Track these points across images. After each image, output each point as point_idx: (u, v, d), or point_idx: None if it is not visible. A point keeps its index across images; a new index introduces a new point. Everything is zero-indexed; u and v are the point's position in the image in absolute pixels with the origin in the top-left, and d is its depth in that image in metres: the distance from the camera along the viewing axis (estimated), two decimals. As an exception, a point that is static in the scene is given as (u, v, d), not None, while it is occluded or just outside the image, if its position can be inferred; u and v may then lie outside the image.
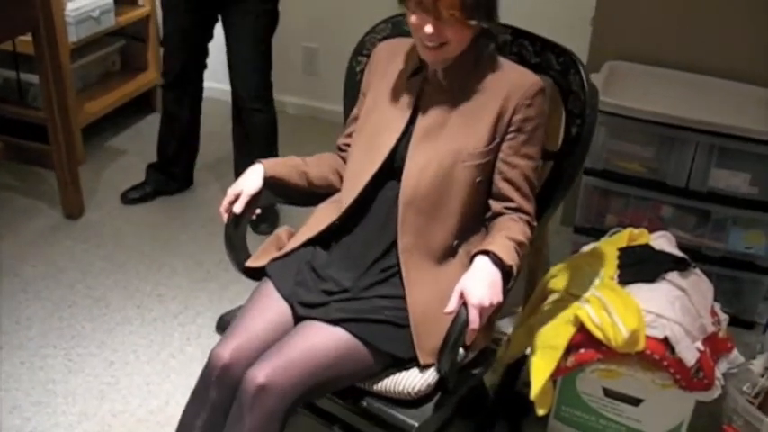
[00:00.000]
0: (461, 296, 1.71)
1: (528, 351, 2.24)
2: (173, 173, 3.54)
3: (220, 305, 2.84)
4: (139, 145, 3.90)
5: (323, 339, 1.75)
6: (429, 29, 1.77)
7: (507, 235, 1.82)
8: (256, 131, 3.27)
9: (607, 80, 2.83)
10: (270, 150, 3.29)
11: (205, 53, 3.36)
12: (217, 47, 4.43)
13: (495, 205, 1.90)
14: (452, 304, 1.71)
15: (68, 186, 3.27)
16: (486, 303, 1.70)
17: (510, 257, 1.76)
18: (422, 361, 1.79)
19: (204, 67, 3.41)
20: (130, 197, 3.47)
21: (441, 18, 1.75)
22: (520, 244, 1.82)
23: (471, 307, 1.69)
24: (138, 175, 3.54)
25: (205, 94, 4.36)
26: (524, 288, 2.61)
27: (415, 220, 1.85)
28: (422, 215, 1.85)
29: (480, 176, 1.86)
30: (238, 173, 3.24)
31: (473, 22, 1.77)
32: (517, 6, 3.35)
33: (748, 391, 2.26)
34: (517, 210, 1.88)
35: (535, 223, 1.91)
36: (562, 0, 3.47)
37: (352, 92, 2.14)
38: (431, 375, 1.80)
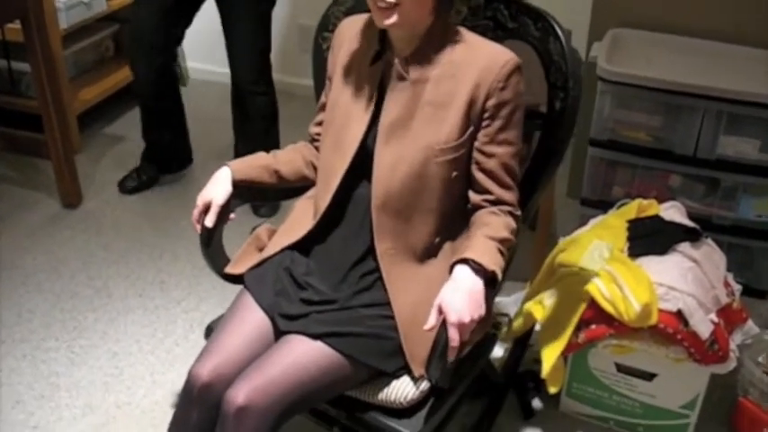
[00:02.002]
0: (440, 311, 1.60)
1: (537, 327, 2.20)
2: (170, 157, 3.48)
3: (223, 290, 2.80)
4: (136, 131, 3.81)
5: (304, 355, 1.66)
6: None
7: (488, 234, 1.70)
8: (258, 114, 3.19)
9: (611, 48, 2.77)
10: (270, 132, 3.24)
11: (182, 36, 3.24)
12: (210, 28, 4.38)
13: (473, 197, 1.79)
14: (431, 321, 1.61)
15: (65, 175, 3.22)
16: (467, 319, 1.59)
17: (492, 261, 1.65)
18: (415, 373, 1.71)
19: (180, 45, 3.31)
20: (129, 186, 3.40)
21: None
22: (503, 241, 1.71)
23: (450, 326, 1.59)
24: (136, 163, 3.49)
25: (201, 76, 4.35)
26: (532, 263, 2.57)
27: (391, 223, 1.74)
28: (397, 217, 1.74)
29: (456, 170, 1.74)
30: (238, 156, 3.20)
31: None
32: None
33: (764, 362, 2.22)
34: (497, 202, 1.76)
35: (519, 212, 1.80)
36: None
37: (320, 72, 2.02)
38: (423, 382, 1.72)
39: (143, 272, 2.94)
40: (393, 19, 1.65)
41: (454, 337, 1.59)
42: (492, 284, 1.67)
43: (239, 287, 1.90)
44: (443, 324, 1.61)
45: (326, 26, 2.07)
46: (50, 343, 2.60)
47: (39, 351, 2.57)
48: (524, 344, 2.34)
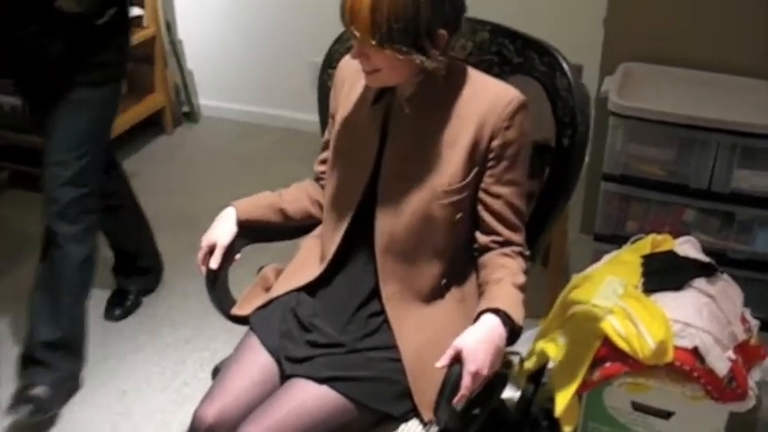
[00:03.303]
0: (457, 354, 1.58)
1: (550, 364, 2.16)
2: (146, 266, 3.01)
3: (233, 329, 2.75)
4: (149, 168, 3.86)
5: (310, 399, 1.63)
6: (353, 52, 1.63)
7: (514, 282, 1.68)
8: (69, 269, 2.47)
9: (622, 82, 2.75)
10: (80, 300, 2.54)
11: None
12: (221, 63, 4.42)
13: (481, 239, 1.75)
14: (443, 361, 1.58)
15: (75, 212, 3.21)
16: (485, 372, 1.57)
17: (520, 316, 1.63)
18: (425, 417, 1.67)
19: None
20: (117, 315, 2.91)
21: (361, 42, 1.59)
22: (523, 288, 1.70)
23: (467, 374, 1.56)
24: (148, 199, 3.47)
25: (208, 113, 4.36)
26: (545, 300, 2.54)
27: (396, 266, 1.72)
28: (403, 261, 1.72)
29: (460, 212, 1.71)
30: (36, 325, 2.49)
31: (389, 52, 1.58)
32: (528, 8, 3.31)
33: (784, 400, 2.17)
34: (506, 243, 1.74)
35: (528, 252, 1.77)
36: (574, 1, 3.41)
37: (325, 109, 2.00)
38: (433, 426, 1.68)
39: (153, 309, 2.92)
40: (375, 81, 1.68)
41: (468, 385, 1.56)
42: (513, 338, 1.65)
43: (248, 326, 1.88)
44: (450, 367, 1.58)
45: (330, 63, 2.05)
46: (59, 382, 2.59)
47: (47, 390, 2.55)
48: (538, 382, 2.30)
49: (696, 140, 2.60)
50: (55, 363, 2.42)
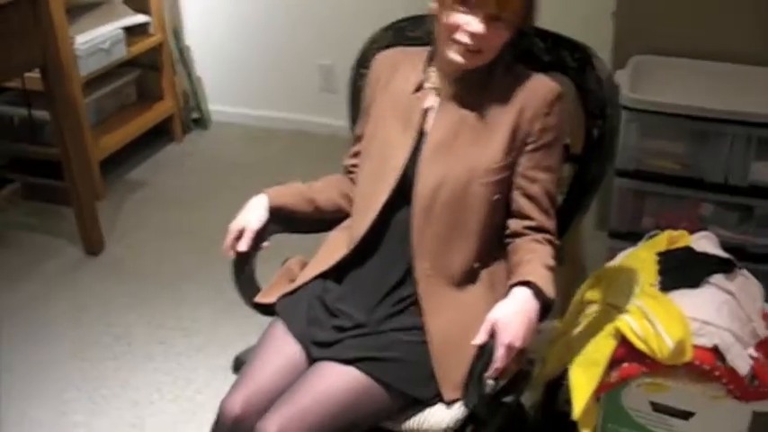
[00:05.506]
0: (492, 328, 1.59)
1: (568, 367, 2.12)
2: None
3: (247, 335, 2.71)
4: (159, 176, 3.85)
5: (336, 382, 1.63)
6: (479, 28, 1.64)
7: (543, 262, 1.69)
8: None
9: (633, 76, 2.71)
10: None
11: None
12: (231, 69, 4.40)
13: (514, 224, 1.77)
14: (481, 336, 1.59)
15: (87, 223, 3.21)
16: (518, 344, 1.58)
17: (551, 291, 1.64)
18: (446, 397, 1.67)
19: None
20: None
21: (498, 18, 1.64)
22: (552, 270, 1.70)
23: (500, 345, 1.57)
24: (159, 208, 3.46)
25: (217, 118, 4.34)
26: (560, 300, 2.49)
27: (432, 243, 1.72)
28: (438, 238, 1.72)
29: (498, 193, 1.74)
30: None
31: (507, 34, 1.68)
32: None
33: (808, 397, 2.12)
34: (538, 229, 1.75)
35: (558, 242, 1.79)
36: (582, -5, 3.37)
37: (356, 108, 2.02)
38: (459, 410, 1.67)
39: (165, 318, 2.90)
40: (471, 60, 1.70)
41: (501, 357, 1.57)
42: (545, 312, 1.65)
43: (264, 327, 1.85)
44: (482, 348, 1.59)
45: (363, 63, 2.07)
46: (71, 393, 2.57)
47: (59, 401, 2.54)
48: (556, 388, 2.26)
49: (710, 133, 2.55)
50: None
